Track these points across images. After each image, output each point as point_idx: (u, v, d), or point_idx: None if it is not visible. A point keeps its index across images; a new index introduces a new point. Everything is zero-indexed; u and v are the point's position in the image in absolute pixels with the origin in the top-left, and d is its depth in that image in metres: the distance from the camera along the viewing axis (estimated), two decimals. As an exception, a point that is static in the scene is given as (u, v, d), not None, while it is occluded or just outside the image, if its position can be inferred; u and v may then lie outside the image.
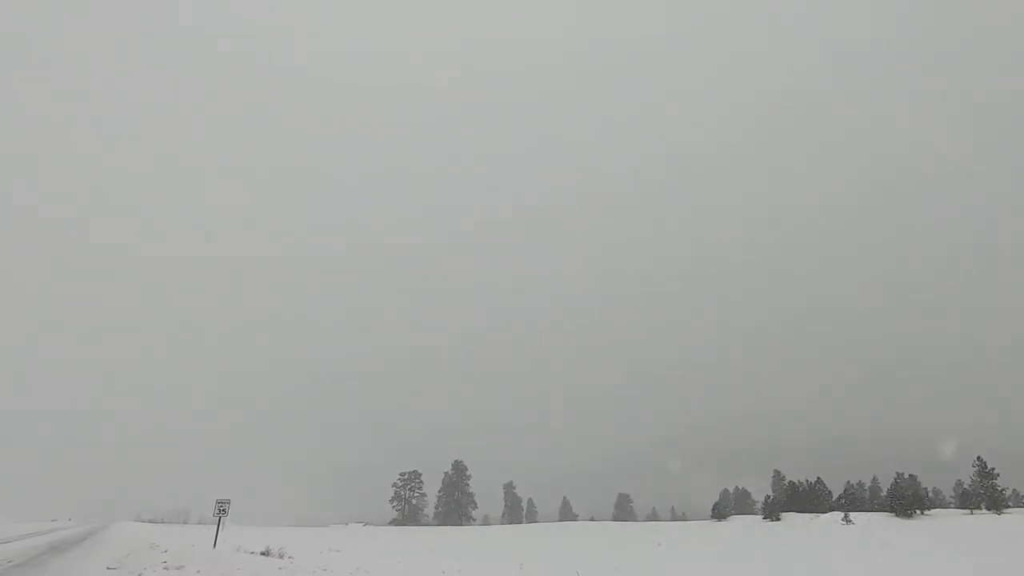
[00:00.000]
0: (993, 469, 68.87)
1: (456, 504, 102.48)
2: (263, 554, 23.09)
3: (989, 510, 65.87)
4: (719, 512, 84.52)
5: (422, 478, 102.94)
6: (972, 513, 66.07)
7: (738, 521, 78.39)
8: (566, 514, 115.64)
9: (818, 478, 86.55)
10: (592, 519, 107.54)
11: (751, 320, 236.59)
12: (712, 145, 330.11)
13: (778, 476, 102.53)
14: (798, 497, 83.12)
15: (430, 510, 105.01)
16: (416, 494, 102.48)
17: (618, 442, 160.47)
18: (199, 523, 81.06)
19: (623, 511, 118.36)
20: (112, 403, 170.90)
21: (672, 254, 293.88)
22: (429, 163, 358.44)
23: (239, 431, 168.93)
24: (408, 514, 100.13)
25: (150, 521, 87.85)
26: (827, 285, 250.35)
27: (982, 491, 68.33)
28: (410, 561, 31.25)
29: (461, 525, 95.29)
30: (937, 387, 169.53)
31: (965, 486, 75.11)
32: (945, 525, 53.61)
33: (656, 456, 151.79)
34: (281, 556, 22.85)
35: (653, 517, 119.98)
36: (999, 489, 67.62)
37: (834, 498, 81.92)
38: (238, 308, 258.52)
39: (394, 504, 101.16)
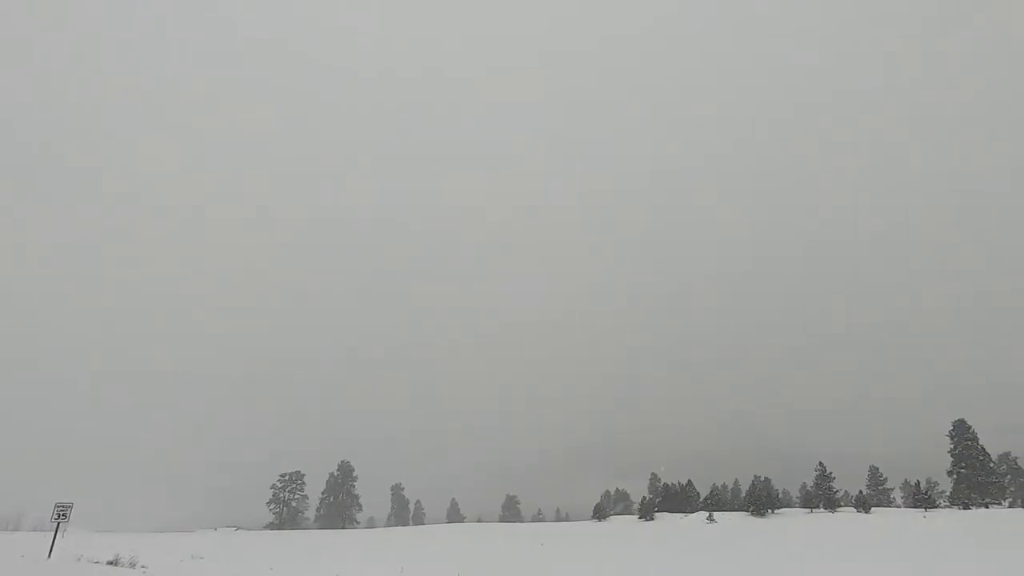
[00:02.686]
0: (831, 473, 78.87)
1: (340, 506, 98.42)
2: (110, 563, 20.79)
3: (826, 509, 75.21)
4: (600, 512, 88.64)
5: (305, 479, 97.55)
6: (812, 512, 75.04)
7: (617, 520, 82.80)
8: (454, 515, 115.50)
9: (689, 480, 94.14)
10: (480, 520, 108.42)
11: (635, 340, 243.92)
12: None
13: (654, 479, 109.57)
14: (671, 498, 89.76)
15: (312, 513, 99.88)
16: (297, 496, 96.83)
17: (507, 445, 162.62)
18: (34, 530, 70.00)
19: (510, 512, 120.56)
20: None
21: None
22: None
23: (92, 426, 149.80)
24: (287, 517, 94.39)
25: (-32, 528, 74.65)
26: (718, 308, 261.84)
27: (820, 492, 77.86)
28: (284, 566, 29.63)
29: (344, 528, 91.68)
30: (792, 402, 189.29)
31: (808, 488, 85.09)
32: (789, 522, 60.44)
33: (543, 459, 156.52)
34: (132, 566, 20.73)
35: (539, 517, 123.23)
36: (834, 491, 77.62)
37: (702, 499, 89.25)
38: (108, 294, 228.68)
39: (271, 507, 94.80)
